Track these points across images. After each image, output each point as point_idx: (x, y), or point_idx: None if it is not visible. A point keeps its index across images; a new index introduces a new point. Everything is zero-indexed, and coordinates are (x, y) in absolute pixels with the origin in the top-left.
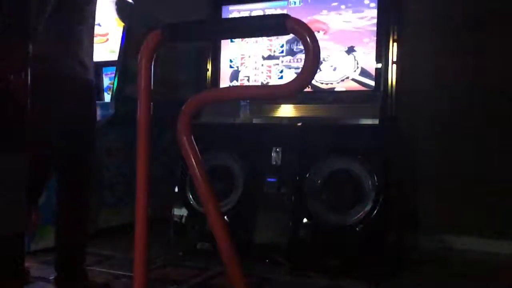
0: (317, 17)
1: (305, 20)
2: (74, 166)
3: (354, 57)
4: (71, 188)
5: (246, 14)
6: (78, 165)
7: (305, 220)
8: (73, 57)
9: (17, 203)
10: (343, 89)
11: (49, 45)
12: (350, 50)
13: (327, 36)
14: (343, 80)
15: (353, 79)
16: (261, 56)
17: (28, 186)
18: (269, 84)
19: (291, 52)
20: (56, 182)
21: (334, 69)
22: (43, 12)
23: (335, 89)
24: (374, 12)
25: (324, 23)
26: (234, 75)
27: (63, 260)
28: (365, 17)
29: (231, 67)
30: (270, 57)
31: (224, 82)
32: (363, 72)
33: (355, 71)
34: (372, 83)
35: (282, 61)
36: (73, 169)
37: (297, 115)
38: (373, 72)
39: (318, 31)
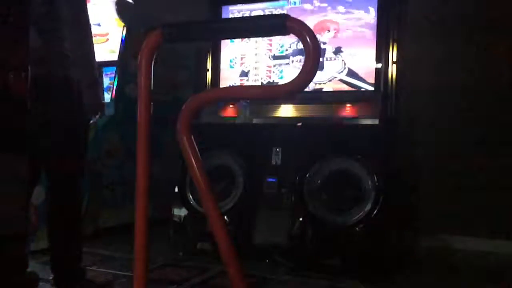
0: (323, 17)
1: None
2: (64, 166)
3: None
4: (60, 187)
5: (246, 14)
6: (68, 165)
7: (305, 220)
8: (63, 57)
9: (17, 203)
10: (331, 89)
11: (42, 46)
12: (337, 51)
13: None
14: (330, 81)
15: (340, 80)
16: (261, 56)
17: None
18: (270, 84)
19: (300, 52)
20: (46, 182)
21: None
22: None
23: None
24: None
25: (335, 23)
26: (235, 75)
27: (58, 260)
28: (365, 17)
29: (231, 67)
30: (274, 57)
31: (224, 82)
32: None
33: (341, 72)
34: (359, 83)
35: (292, 61)
36: (62, 169)
37: (297, 115)
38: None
39: (329, 30)
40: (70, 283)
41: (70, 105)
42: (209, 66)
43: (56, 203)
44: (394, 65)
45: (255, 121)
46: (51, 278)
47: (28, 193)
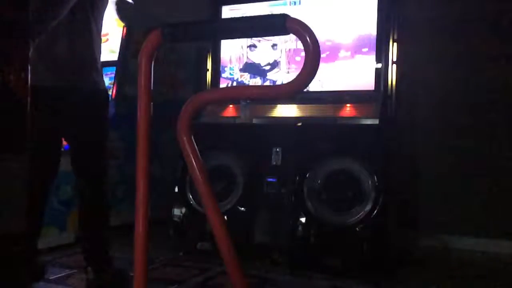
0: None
1: None
2: (92, 167)
3: None
4: (89, 187)
5: (245, 14)
6: (95, 166)
7: (305, 220)
8: (91, 64)
9: (17, 203)
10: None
11: (70, 52)
12: None
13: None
14: None
15: None
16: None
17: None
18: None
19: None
20: (76, 182)
21: None
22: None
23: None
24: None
25: None
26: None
27: (90, 250)
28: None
29: (231, 68)
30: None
31: (224, 82)
32: None
33: None
34: None
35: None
36: (91, 169)
37: (297, 115)
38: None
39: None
40: (101, 270)
41: (97, 109)
42: (209, 66)
43: (87, 200)
44: (394, 65)
45: (255, 121)
46: (51, 278)
47: (45, 193)
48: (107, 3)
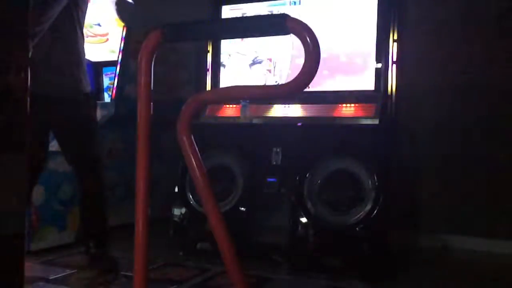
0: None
1: None
2: (87, 160)
3: None
4: (86, 181)
5: (245, 14)
6: (91, 161)
7: (305, 220)
8: (78, 65)
9: (16, 203)
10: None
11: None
12: None
13: None
14: None
15: None
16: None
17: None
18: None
19: None
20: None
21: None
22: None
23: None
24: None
25: None
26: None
27: (88, 241)
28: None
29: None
30: None
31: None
32: None
33: None
34: None
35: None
36: (87, 165)
37: (297, 115)
38: None
39: None
40: (105, 269)
41: (85, 108)
42: (209, 66)
43: (85, 194)
44: (394, 65)
45: (255, 121)
46: (51, 277)
47: (28, 193)
48: (88, 2)
